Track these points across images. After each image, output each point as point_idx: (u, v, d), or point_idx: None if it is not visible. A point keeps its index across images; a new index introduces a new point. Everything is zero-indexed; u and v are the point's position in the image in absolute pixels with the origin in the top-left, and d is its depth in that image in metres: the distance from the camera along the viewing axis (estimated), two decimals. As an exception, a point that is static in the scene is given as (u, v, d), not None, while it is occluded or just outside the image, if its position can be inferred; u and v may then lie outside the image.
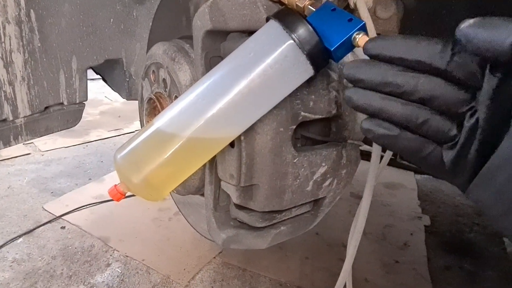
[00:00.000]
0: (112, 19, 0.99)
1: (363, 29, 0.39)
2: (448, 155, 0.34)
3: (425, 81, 0.33)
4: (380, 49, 0.34)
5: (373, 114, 0.36)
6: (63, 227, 1.45)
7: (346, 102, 0.37)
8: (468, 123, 0.32)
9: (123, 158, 0.45)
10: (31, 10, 0.83)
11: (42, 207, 1.57)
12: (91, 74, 1.08)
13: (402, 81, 0.33)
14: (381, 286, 1.23)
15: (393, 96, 0.34)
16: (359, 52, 0.50)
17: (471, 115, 0.32)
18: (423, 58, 0.32)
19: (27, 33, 0.84)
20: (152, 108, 0.73)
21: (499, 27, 0.28)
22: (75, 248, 1.35)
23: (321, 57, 0.41)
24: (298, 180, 0.54)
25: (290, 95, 0.46)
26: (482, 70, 0.31)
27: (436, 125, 0.33)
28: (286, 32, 0.41)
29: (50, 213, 1.53)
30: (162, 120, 0.45)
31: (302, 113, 0.51)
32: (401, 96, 0.34)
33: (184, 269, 1.26)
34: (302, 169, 0.54)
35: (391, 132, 0.35)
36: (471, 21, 0.29)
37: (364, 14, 0.58)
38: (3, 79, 0.82)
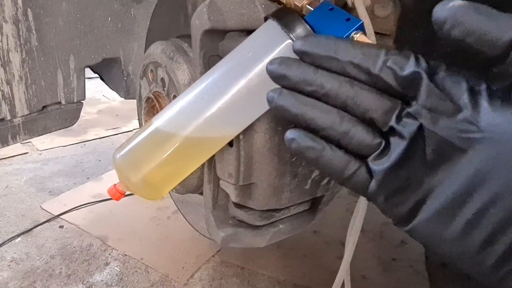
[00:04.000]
0: (109, 18, 0.99)
1: (361, 28, 0.40)
2: (376, 172, 0.30)
3: (349, 83, 0.30)
4: (309, 46, 0.31)
5: (295, 119, 0.33)
6: (61, 226, 1.45)
7: (268, 103, 0.34)
8: (393, 138, 0.30)
9: (122, 158, 0.46)
10: (28, 9, 0.83)
11: (40, 206, 1.57)
12: (88, 73, 1.07)
13: (325, 80, 0.31)
14: (378, 283, 1.24)
15: (317, 99, 0.32)
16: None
17: (399, 125, 0.29)
18: (356, 60, 0.30)
19: (24, 32, 0.84)
20: (150, 107, 0.73)
21: (497, 18, 0.25)
22: (74, 247, 1.35)
23: (319, 56, 0.42)
24: (296, 179, 0.54)
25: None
26: (417, 78, 0.28)
27: (361, 134, 0.30)
28: (284, 31, 0.41)
29: (48, 212, 1.53)
30: (161, 120, 0.45)
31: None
32: (325, 99, 0.31)
33: (183, 268, 1.27)
34: (300, 168, 0.54)
35: (317, 144, 0.32)
36: (461, 2, 0.26)
37: (362, 13, 0.58)
38: (1, 78, 0.82)
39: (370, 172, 0.31)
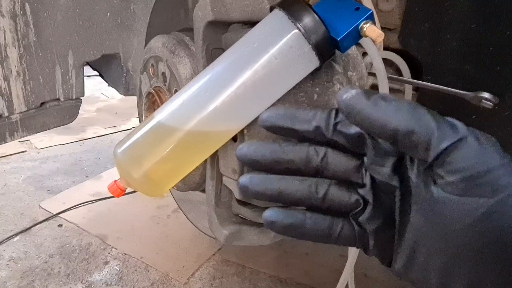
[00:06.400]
0: (109, 13, 0.98)
1: (371, 18, 0.38)
2: (356, 227, 0.33)
3: (314, 151, 0.33)
4: (274, 120, 0.34)
5: (273, 199, 0.34)
6: (60, 225, 1.44)
7: (241, 192, 0.35)
8: (362, 190, 0.33)
9: (123, 153, 0.44)
10: (26, 4, 0.82)
11: (39, 205, 1.55)
12: (87, 70, 1.06)
13: (293, 155, 0.33)
14: (380, 281, 1.23)
15: (291, 172, 0.34)
16: (365, 43, 0.49)
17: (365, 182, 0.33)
18: (311, 127, 0.32)
19: (22, 27, 0.82)
20: (151, 103, 0.71)
21: (382, 108, 0.28)
22: (73, 246, 1.33)
23: (327, 47, 0.40)
24: (301, 175, 0.53)
25: (294, 87, 0.45)
26: (363, 137, 0.31)
27: (337, 194, 0.33)
28: (291, 21, 0.39)
29: (46, 211, 1.51)
30: (163, 114, 0.43)
31: (306, 106, 0.50)
32: (298, 172, 0.34)
33: (183, 267, 1.25)
34: (306, 164, 0.53)
35: (297, 219, 0.33)
36: (353, 92, 0.29)
37: (368, 5, 0.57)
38: (-2, 74, 0.81)
39: (353, 226, 0.33)
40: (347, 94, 0.29)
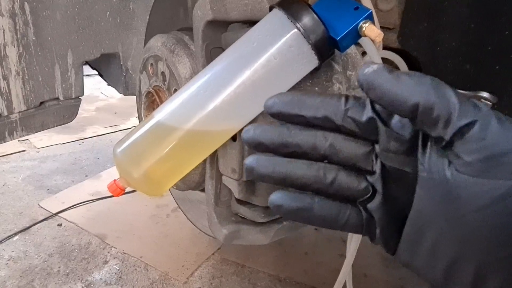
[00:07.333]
0: (108, 12, 0.97)
1: (370, 17, 0.38)
2: (364, 214, 0.32)
3: (323, 137, 0.32)
4: (280, 106, 0.33)
5: (279, 182, 0.33)
6: (59, 225, 1.44)
7: (247, 174, 0.34)
8: (371, 177, 0.32)
9: (123, 152, 0.44)
10: (25, 3, 0.81)
11: (38, 204, 1.55)
12: (87, 70, 1.06)
13: (301, 139, 0.32)
14: (380, 280, 1.23)
15: (298, 156, 0.33)
16: (364, 43, 0.49)
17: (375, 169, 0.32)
18: (319, 115, 0.32)
19: (21, 26, 0.82)
20: (150, 102, 0.71)
21: (404, 83, 0.27)
22: (72, 245, 1.33)
23: (326, 47, 0.40)
24: (301, 174, 0.53)
25: (293, 87, 0.45)
26: (375, 123, 0.31)
27: (345, 180, 0.32)
28: (291, 21, 0.40)
29: (46, 210, 1.51)
30: (162, 113, 0.44)
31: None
32: (305, 157, 0.33)
33: (183, 266, 1.25)
34: (305, 163, 0.53)
35: (304, 203, 0.32)
36: (375, 66, 0.28)
37: (368, 5, 0.57)
38: (-3, 74, 0.81)
39: (361, 213, 0.32)
40: (369, 69, 0.28)
